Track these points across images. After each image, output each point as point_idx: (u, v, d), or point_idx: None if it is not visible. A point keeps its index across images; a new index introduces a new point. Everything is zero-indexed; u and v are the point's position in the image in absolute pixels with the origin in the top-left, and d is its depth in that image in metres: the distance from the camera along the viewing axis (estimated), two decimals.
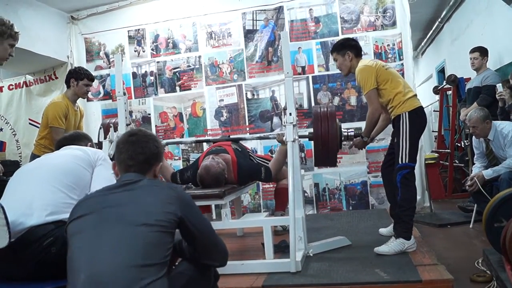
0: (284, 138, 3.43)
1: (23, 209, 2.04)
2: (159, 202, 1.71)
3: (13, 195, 2.16)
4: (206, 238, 1.85)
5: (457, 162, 6.20)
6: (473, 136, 4.39)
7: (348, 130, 3.65)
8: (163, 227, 1.66)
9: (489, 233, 3.01)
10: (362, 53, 3.77)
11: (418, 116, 3.43)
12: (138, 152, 1.84)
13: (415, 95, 3.52)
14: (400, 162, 3.33)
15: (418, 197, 5.07)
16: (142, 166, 1.85)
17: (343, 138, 3.57)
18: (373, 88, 3.42)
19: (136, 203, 1.71)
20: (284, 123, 3.41)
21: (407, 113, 3.38)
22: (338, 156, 5.23)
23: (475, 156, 4.46)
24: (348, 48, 3.63)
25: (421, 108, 3.48)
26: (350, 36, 4.92)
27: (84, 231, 1.68)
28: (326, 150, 3.44)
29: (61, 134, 3.84)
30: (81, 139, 2.69)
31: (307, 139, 3.73)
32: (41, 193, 2.13)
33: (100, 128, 3.93)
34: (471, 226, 4.31)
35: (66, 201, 2.13)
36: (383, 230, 3.90)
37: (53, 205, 2.09)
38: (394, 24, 5.29)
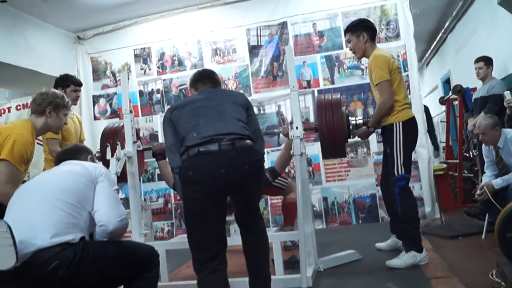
0: (290, 133, 3.34)
1: (26, 231, 2.01)
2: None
3: (15, 215, 2.13)
4: None
5: (466, 172, 6.14)
6: (483, 144, 4.35)
7: (357, 118, 3.58)
8: None
9: (502, 243, 2.97)
10: None
11: (411, 127, 3.40)
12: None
13: (410, 106, 3.50)
14: (396, 173, 3.29)
15: (428, 209, 5.06)
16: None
17: (351, 127, 3.49)
18: (387, 79, 3.35)
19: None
20: (291, 136, 3.39)
21: (400, 123, 3.34)
22: (345, 169, 5.31)
23: (485, 165, 4.42)
24: (364, 29, 3.52)
25: (414, 119, 3.45)
26: None
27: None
28: (332, 140, 3.33)
29: (56, 145, 3.85)
30: (81, 152, 2.67)
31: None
32: (44, 214, 2.10)
33: (108, 146, 3.93)
34: (483, 236, 4.25)
35: (69, 220, 2.10)
36: (381, 245, 3.86)
37: (56, 226, 2.06)
38: (398, 36, 5.30)
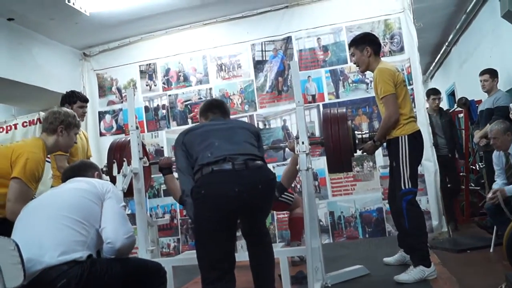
0: (296, 148, 3.28)
1: (34, 249, 2.02)
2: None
3: (23, 233, 2.13)
4: None
5: (473, 185, 6.13)
6: (493, 153, 4.32)
7: (363, 133, 3.58)
8: None
9: (510, 256, 2.95)
10: None
11: (417, 140, 3.40)
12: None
13: (415, 119, 3.50)
14: (403, 187, 3.28)
15: (436, 223, 5.02)
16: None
17: (357, 141, 3.47)
18: (392, 93, 3.35)
19: None
20: (297, 151, 3.37)
21: (406, 136, 3.34)
22: (351, 183, 5.29)
23: (495, 173, 4.37)
24: (368, 43, 3.54)
25: (419, 132, 3.46)
26: None
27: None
28: (338, 154, 3.31)
29: (64, 160, 3.88)
30: (87, 169, 2.68)
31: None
32: (51, 232, 2.10)
33: (114, 162, 3.93)
34: (491, 250, 4.22)
35: (76, 238, 2.11)
36: (388, 259, 3.83)
37: (63, 244, 2.07)
38: (402, 49, 5.31)
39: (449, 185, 5.72)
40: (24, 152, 2.73)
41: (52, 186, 4.20)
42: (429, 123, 5.28)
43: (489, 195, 4.02)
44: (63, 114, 3.01)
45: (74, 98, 4.28)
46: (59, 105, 4.28)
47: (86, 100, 4.41)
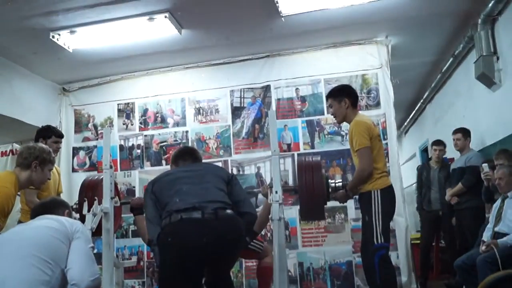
0: (270, 197, 3.25)
1: None
2: None
3: None
4: None
5: (442, 242, 6.15)
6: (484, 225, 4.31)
7: (336, 181, 3.56)
8: None
9: None
10: None
11: (389, 195, 3.42)
12: None
13: (388, 174, 3.53)
14: (375, 242, 3.27)
15: (405, 279, 5.00)
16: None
17: (330, 189, 3.46)
18: (367, 146, 3.37)
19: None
20: (270, 201, 3.35)
21: (379, 190, 3.35)
22: (322, 234, 5.26)
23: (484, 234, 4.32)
24: (346, 95, 3.57)
25: (392, 187, 3.48)
26: None
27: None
28: (312, 202, 3.30)
29: (34, 195, 3.81)
30: (58, 207, 2.64)
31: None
32: (15, 270, 2.05)
33: (85, 201, 3.87)
34: None
35: (41, 277, 2.05)
36: None
37: (27, 283, 2.01)
38: (378, 104, 5.42)
39: (441, 242, 5.67)
40: None
41: (19, 221, 4.10)
42: (420, 176, 5.33)
43: (483, 248, 3.95)
44: (38, 150, 3.00)
45: (49, 133, 4.25)
46: (34, 138, 4.25)
47: (61, 136, 4.38)
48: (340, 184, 3.55)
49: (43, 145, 3.14)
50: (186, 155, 3.01)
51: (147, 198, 2.70)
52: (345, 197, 3.60)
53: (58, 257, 2.16)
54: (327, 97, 3.77)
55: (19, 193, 4.03)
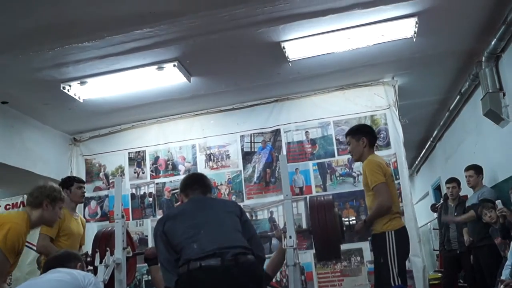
0: (284, 242, 3.25)
1: None
2: None
3: None
4: None
5: (461, 281, 6.02)
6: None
7: (350, 219, 3.56)
8: None
9: None
10: None
11: (403, 236, 3.39)
12: None
13: (401, 215, 3.51)
14: (393, 284, 3.23)
15: None
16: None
17: (344, 228, 3.45)
18: (383, 182, 3.36)
19: None
20: (285, 246, 3.32)
21: (393, 232, 3.33)
22: (338, 278, 5.17)
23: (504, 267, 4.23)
24: (364, 134, 3.62)
25: (405, 228, 3.46)
26: (346, 157, 5.07)
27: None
28: (327, 242, 3.28)
29: (47, 239, 3.88)
30: (71, 260, 2.64)
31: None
32: None
33: (96, 252, 3.85)
34: None
35: None
36: None
37: None
38: (388, 144, 5.42)
39: (460, 281, 5.60)
40: (7, 222, 2.68)
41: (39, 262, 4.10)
42: (439, 216, 5.29)
43: (501, 287, 3.87)
44: (48, 189, 3.01)
45: (71, 181, 4.35)
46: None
47: (82, 181, 4.49)
48: (354, 221, 3.55)
49: (54, 184, 3.15)
50: (195, 183, 2.93)
51: (158, 241, 2.62)
52: (363, 229, 3.57)
53: None
54: (346, 134, 3.82)
55: (30, 245, 4.05)
